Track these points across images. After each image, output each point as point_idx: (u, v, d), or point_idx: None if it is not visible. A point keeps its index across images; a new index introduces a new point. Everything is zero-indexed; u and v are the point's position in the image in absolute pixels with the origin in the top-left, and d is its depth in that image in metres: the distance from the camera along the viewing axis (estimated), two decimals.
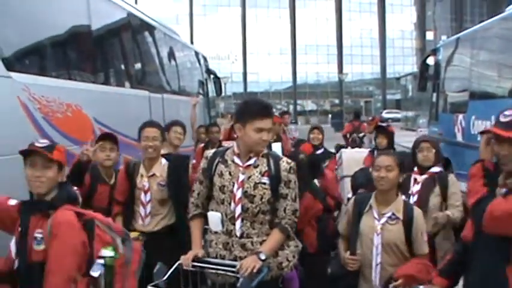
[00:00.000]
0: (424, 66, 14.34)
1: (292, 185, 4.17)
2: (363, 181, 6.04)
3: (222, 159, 4.23)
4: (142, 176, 5.35)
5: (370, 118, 16.62)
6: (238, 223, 4.10)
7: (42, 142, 3.72)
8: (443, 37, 41.26)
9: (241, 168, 4.14)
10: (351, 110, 64.60)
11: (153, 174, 5.39)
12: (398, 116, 48.35)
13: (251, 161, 4.15)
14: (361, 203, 4.49)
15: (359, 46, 74.49)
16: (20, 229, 3.55)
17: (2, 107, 5.54)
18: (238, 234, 4.11)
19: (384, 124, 10.85)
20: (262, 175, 4.11)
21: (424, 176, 5.48)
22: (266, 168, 4.13)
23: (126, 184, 5.44)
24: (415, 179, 5.49)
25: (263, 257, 3.94)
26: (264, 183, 4.09)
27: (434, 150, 5.56)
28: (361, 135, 14.48)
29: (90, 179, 5.58)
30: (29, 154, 3.59)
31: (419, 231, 4.29)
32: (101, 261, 3.53)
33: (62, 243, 3.41)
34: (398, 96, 63.85)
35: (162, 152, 5.67)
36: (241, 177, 4.11)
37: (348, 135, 15.02)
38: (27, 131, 5.91)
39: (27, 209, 3.59)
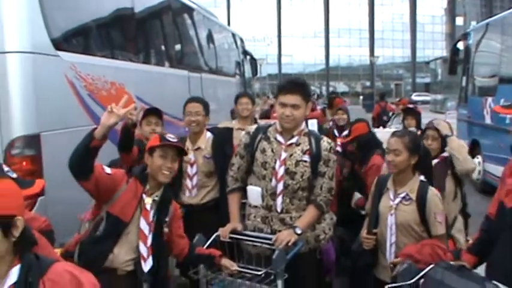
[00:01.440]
0: (454, 50, 14.20)
1: (331, 164, 4.17)
2: None
3: (265, 135, 4.22)
4: (188, 149, 5.31)
5: (397, 99, 16.29)
6: (279, 199, 4.11)
7: (174, 137, 3.82)
8: (473, 22, 40.52)
9: (283, 146, 4.13)
10: (382, 92, 64.12)
11: (199, 148, 5.35)
12: (428, 98, 47.57)
13: (293, 140, 4.13)
14: (382, 184, 4.37)
15: (390, 30, 73.66)
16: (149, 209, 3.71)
17: (50, 85, 5.60)
18: (278, 209, 4.13)
19: (411, 106, 10.69)
20: (304, 153, 4.11)
21: (435, 161, 5.19)
22: (308, 147, 4.12)
23: None
24: None
25: (299, 231, 3.97)
26: (305, 161, 4.09)
27: (440, 139, 5.37)
28: (390, 114, 14.43)
29: (138, 151, 5.60)
30: (162, 146, 3.71)
31: (433, 212, 4.10)
32: None
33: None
34: (427, 80, 62.83)
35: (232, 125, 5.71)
36: (284, 155, 4.10)
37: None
38: (74, 107, 5.97)
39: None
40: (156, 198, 3.73)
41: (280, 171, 4.08)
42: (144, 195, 3.68)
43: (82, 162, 3.39)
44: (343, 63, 74.45)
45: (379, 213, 4.29)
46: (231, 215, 4.33)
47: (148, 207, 3.67)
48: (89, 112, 6.19)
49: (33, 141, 5.26)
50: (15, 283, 1.96)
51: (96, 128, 3.43)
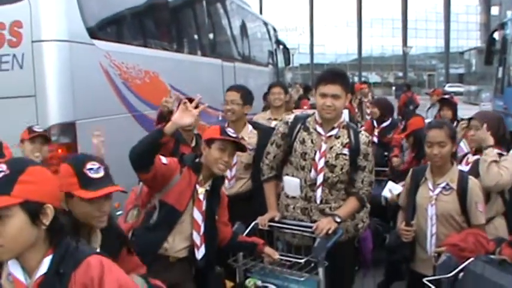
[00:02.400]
0: (491, 40, 13.93)
1: (370, 158, 4.15)
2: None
3: (304, 126, 4.17)
4: None
5: (431, 90, 15.97)
6: (319, 190, 4.07)
7: (233, 132, 3.79)
8: (509, 12, 39.77)
9: (323, 138, 4.08)
10: (415, 83, 63.47)
11: (242, 138, 5.31)
12: (461, 90, 47.00)
13: (333, 132, 4.09)
14: (418, 174, 4.31)
15: (424, 20, 72.77)
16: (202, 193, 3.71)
17: (86, 73, 5.63)
18: (317, 200, 4.09)
19: (447, 96, 10.49)
20: (344, 146, 4.07)
21: (476, 157, 4.76)
22: (347, 140, 4.08)
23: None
24: (467, 159, 4.96)
25: (338, 220, 3.96)
26: (345, 155, 4.05)
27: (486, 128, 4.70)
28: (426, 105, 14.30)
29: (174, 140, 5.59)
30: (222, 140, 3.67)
31: (474, 201, 4.05)
32: None
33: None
34: (461, 70, 62.07)
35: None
36: (324, 146, 4.06)
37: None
38: (109, 96, 5.99)
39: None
40: (208, 188, 3.73)
41: (320, 163, 4.03)
42: (197, 185, 3.68)
43: (147, 156, 3.40)
44: (375, 53, 73.78)
45: (417, 205, 4.23)
46: (269, 203, 4.32)
47: (201, 197, 3.67)
48: (123, 101, 6.21)
49: (69, 129, 5.31)
50: (45, 273, 1.92)
51: (165, 124, 3.44)
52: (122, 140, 5.87)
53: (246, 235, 4.08)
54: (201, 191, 3.68)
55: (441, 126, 4.18)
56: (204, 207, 3.68)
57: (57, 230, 1.96)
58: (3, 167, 1.90)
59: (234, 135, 3.71)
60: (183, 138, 5.61)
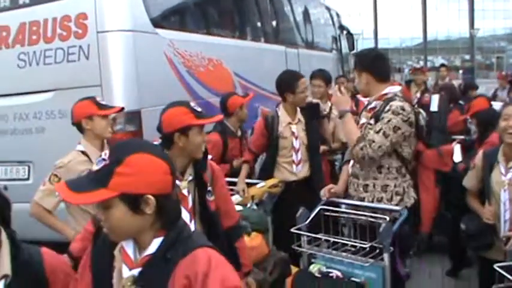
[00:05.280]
0: None
1: (384, 121, 4.02)
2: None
3: None
4: (290, 123, 5.30)
5: (503, 72, 15.03)
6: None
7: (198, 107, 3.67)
8: None
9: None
10: (482, 66, 61.64)
11: (299, 121, 5.31)
12: None
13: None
14: (491, 157, 4.09)
15: (491, 0, 70.57)
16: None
17: (150, 61, 5.65)
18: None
19: None
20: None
21: None
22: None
23: (265, 137, 5.37)
24: None
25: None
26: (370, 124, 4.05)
27: None
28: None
29: (219, 135, 5.54)
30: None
31: None
32: None
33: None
34: None
35: None
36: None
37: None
38: (173, 84, 5.99)
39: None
40: (191, 177, 3.27)
41: None
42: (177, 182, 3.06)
43: None
44: (441, 36, 72.04)
45: (489, 191, 4.01)
46: (341, 180, 4.33)
47: (185, 192, 3.23)
48: (188, 88, 6.20)
49: (134, 117, 5.32)
50: (153, 254, 1.91)
51: None
52: None
53: (311, 220, 3.97)
54: (184, 185, 3.22)
55: None
56: (190, 203, 3.26)
57: (166, 215, 1.93)
58: (106, 155, 1.89)
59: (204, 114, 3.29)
60: (231, 131, 5.59)
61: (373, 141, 3.84)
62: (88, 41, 5.33)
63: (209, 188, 3.33)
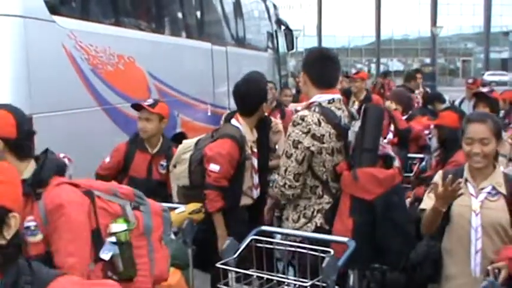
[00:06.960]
0: None
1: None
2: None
3: None
4: (248, 141, 5.26)
5: (470, 81, 14.87)
6: None
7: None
8: None
9: None
10: (446, 71, 63.03)
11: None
12: (505, 78, 47.08)
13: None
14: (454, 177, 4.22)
15: None
16: None
17: (45, 56, 5.60)
18: None
19: (485, 89, 10.11)
20: None
21: None
22: None
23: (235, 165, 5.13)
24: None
25: None
26: None
27: None
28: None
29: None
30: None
31: None
32: (112, 238, 3.23)
33: (71, 227, 3.04)
34: (505, 55, 62.18)
35: None
36: None
37: None
38: (74, 84, 5.95)
39: None
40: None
41: None
42: None
43: None
44: (397, 35, 73.70)
45: (452, 215, 4.14)
46: None
47: None
48: (92, 91, 6.20)
49: None
50: None
51: None
52: (88, 137, 5.86)
53: (240, 253, 4.00)
54: None
55: (484, 119, 4.08)
56: None
57: (15, 247, 1.83)
58: None
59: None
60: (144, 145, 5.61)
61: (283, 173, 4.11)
62: None
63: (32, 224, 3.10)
